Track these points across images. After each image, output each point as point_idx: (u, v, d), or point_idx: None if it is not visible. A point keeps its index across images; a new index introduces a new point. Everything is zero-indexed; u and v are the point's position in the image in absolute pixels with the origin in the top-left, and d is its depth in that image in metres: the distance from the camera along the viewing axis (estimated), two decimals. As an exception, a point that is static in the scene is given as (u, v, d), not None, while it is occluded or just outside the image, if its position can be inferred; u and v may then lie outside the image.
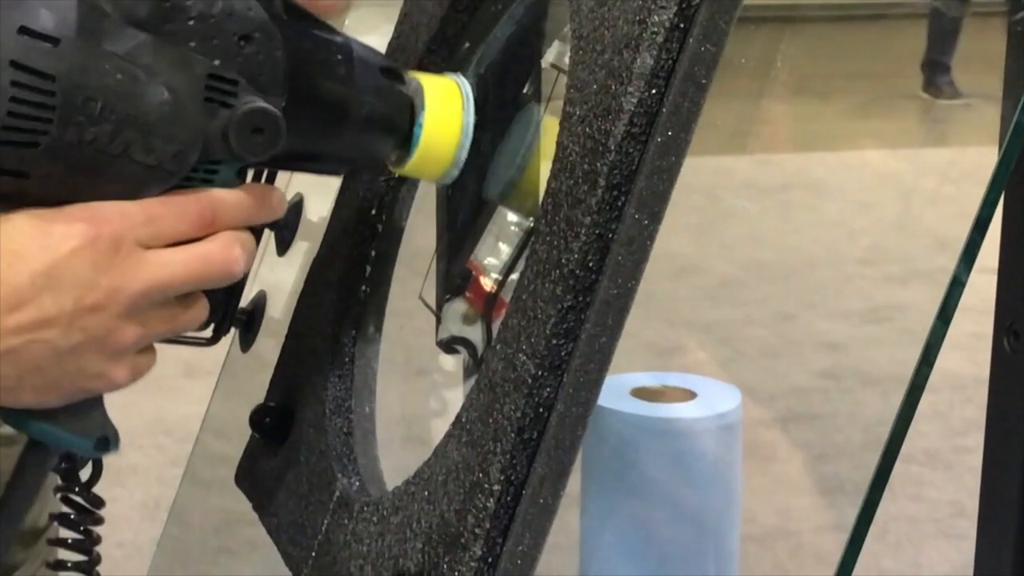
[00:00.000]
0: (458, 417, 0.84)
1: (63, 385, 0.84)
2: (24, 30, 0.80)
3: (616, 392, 1.17)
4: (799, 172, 5.61)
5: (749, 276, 4.79)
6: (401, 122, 0.90)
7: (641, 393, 1.18)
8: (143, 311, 0.84)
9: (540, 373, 0.78)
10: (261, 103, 0.84)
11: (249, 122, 0.83)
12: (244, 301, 1.00)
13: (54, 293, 0.81)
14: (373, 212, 1.01)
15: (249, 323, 1.04)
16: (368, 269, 1.01)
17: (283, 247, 1.09)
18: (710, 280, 4.79)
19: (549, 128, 0.91)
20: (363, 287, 1.01)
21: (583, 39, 0.83)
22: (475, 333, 0.99)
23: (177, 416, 3.64)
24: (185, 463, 1.49)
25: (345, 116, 0.88)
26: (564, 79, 0.86)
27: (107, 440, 0.89)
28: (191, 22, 0.83)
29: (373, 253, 1.01)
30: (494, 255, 0.97)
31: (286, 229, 1.01)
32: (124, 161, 0.82)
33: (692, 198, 5.07)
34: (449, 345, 1.02)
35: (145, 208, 0.83)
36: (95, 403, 0.88)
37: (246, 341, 1.06)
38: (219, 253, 0.85)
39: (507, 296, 0.95)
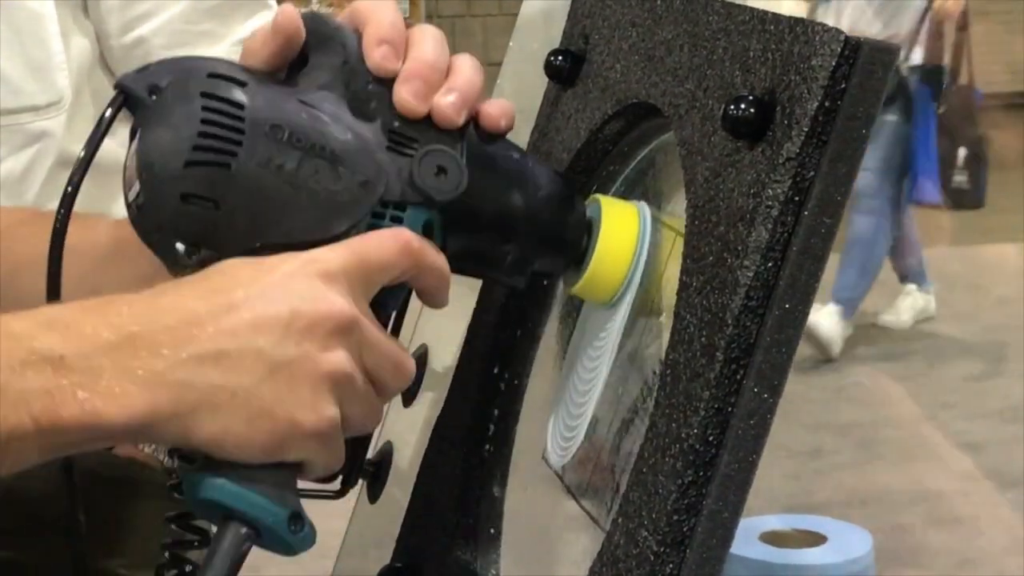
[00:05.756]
0: (582, 590, 0.83)
1: (275, 413, 0.79)
2: (213, 74, 0.85)
3: (744, 537, 1.15)
4: (933, 267, 5.55)
5: (884, 376, 4.74)
6: (575, 240, 0.91)
7: (770, 538, 1.17)
8: (351, 346, 0.81)
9: (662, 549, 0.78)
10: (443, 147, 0.86)
11: (433, 161, 0.86)
12: (371, 452, 1.01)
13: (267, 302, 0.80)
14: (496, 371, 1.02)
15: (377, 474, 1.05)
16: (491, 428, 1.01)
17: (409, 399, 1.09)
18: (846, 380, 4.75)
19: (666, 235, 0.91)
20: (487, 446, 1.01)
21: (698, 209, 0.83)
22: (603, 481, 0.99)
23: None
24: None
25: (518, 220, 0.89)
26: (681, 242, 0.86)
27: (301, 518, 0.83)
28: (370, 86, 0.86)
29: (496, 412, 1.01)
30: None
31: (411, 380, 1.02)
32: (313, 187, 0.84)
33: (827, 296, 5.04)
34: (575, 493, 1.02)
35: (348, 245, 0.83)
36: (291, 478, 0.83)
37: (374, 493, 1.07)
38: (405, 353, 0.85)
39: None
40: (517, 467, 1.02)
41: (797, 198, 0.77)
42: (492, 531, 1.00)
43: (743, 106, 0.79)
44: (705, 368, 0.78)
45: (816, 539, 1.18)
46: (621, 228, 0.91)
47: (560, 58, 1.02)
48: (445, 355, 1.12)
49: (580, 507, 1.00)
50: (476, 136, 0.89)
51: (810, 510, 1.25)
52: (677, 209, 0.90)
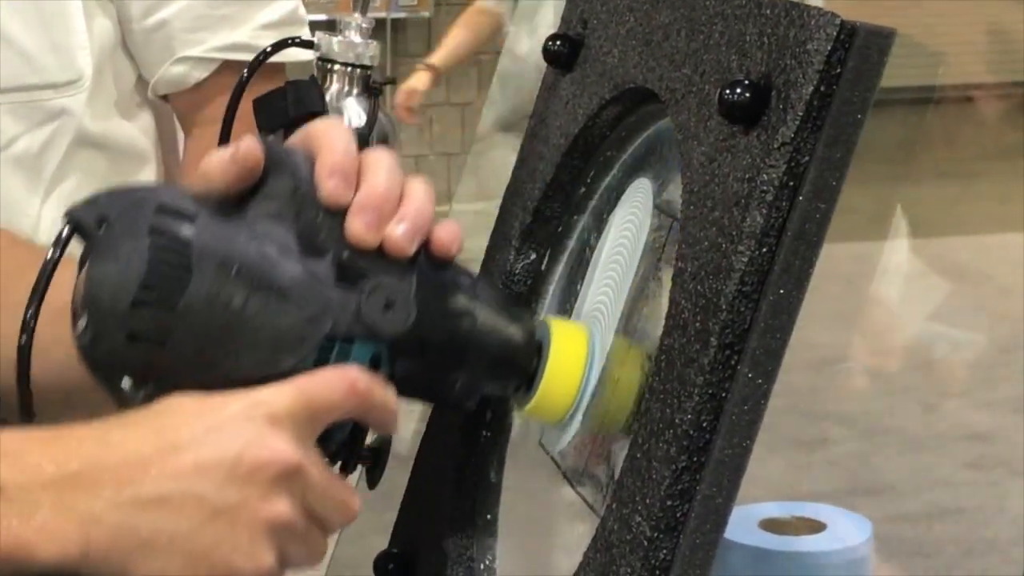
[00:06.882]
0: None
1: (212, 557, 0.80)
2: (162, 208, 0.84)
3: (744, 524, 1.15)
4: (939, 257, 5.54)
5: (891, 365, 4.73)
6: (524, 364, 0.90)
7: (769, 525, 1.17)
8: (294, 492, 0.82)
9: (655, 535, 0.78)
10: (392, 280, 0.85)
11: (381, 296, 0.84)
12: (369, 438, 1.00)
13: (211, 445, 0.80)
14: (493, 356, 1.01)
15: (375, 461, 1.04)
16: (488, 414, 1.01)
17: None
18: (851, 369, 4.74)
19: (619, 353, 0.90)
20: (484, 432, 1.01)
21: (694, 194, 0.83)
22: (600, 467, 0.99)
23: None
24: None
25: (467, 348, 0.88)
26: (677, 228, 0.85)
27: None
28: (320, 215, 0.85)
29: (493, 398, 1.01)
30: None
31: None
32: (259, 323, 0.83)
33: (831, 286, 5.03)
34: (571, 479, 1.02)
35: (295, 385, 0.83)
36: None
37: (372, 479, 1.07)
38: (350, 492, 0.85)
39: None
40: (514, 453, 1.01)
41: (792, 183, 0.77)
42: (489, 517, 1.00)
43: (739, 91, 0.79)
44: (699, 353, 0.78)
45: (815, 526, 1.18)
46: (570, 349, 0.90)
47: (558, 43, 1.02)
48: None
49: (576, 493, 1.00)
50: (426, 263, 0.88)
51: (815, 499, 1.25)
52: (673, 194, 0.90)
